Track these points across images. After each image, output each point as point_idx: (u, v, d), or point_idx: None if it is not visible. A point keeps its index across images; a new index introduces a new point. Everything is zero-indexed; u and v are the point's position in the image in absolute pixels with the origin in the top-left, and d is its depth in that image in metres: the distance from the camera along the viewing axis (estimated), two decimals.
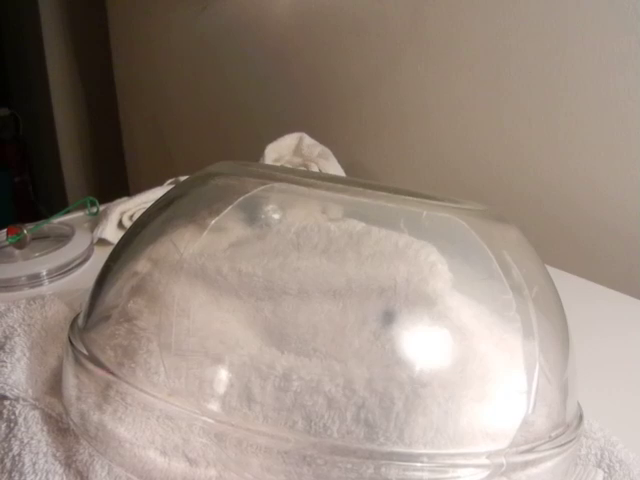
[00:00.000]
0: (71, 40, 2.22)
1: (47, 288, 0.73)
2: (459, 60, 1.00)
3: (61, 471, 0.35)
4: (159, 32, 1.82)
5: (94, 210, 0.97)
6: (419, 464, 0.32)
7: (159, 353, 0.36)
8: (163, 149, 2.01)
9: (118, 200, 0.94)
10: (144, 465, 0.34)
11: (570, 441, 0.38)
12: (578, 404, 0.42)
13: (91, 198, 0.98)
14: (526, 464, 0.36)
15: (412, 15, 1.05)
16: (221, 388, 0.35)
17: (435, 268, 0.36)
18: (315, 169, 0.83)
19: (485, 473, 0.33)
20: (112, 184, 2.35)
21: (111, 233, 0.86)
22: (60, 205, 0.95)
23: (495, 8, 0.92)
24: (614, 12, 0.77)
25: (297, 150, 1.03)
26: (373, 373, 0.34)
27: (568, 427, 0.40)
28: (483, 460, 0.33)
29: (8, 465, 0.36)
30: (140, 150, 2.20)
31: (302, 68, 1.32)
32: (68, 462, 0.35)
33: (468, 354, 0.37)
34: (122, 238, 0.46)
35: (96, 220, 0.91)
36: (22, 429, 0.37)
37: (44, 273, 0.74)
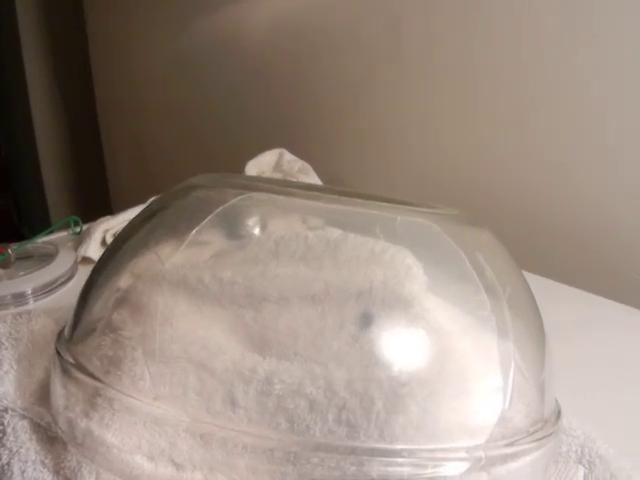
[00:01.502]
0: (51, 60, 2.23)
1: (32, 306, 0.72)
2: (434, 73, 1.02)
3: (50, 478, 0.36)
4: (139, 51, 1.83)
5: (77, 229, 0.97)
6: (400, 459, 0.33)
7: (144, 360, 0.37)
8: (145, 167, 2.02)
9: (101, 219, 0.94)
10: (132, 470, 0.35)
11: (548, 435, 0.39)
12: (556, 401, 0.43)
13: (74, 217, 0.98)
14: (505, 458, 0.37)
15: (387, 32, 1.08)
16: (205, 393, 0.36)
17: (411, 271, 0.38)
18: None
19: (464, 467, 0.34)
20: (95, 203, 2.36)
21: (94, 251, 0.87)
22: (43, 227, 0.95)
23: (468, 23, 0.95)
24: (584, 20, 0.80)
25: (277, 166, 1.04)
26: (353, 374, 0.35)
27: (546, 422, 0.41)
28: (462, 454, 0.34)
29: None
30: (122, 169, 2.21)
31: (281, 85, 1.34)
32: (56, 469, 0.36)
33: (445, 354, 0.38)
34: (106, 251, 0.47)
35: (79, 239, 0.92)
36: (11, 438, 0.38)
37: (29, 292, 0.74)
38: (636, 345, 0.65)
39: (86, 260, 0.86)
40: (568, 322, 0.63)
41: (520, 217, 0.89)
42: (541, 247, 0.87)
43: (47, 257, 0.83)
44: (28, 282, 0.75)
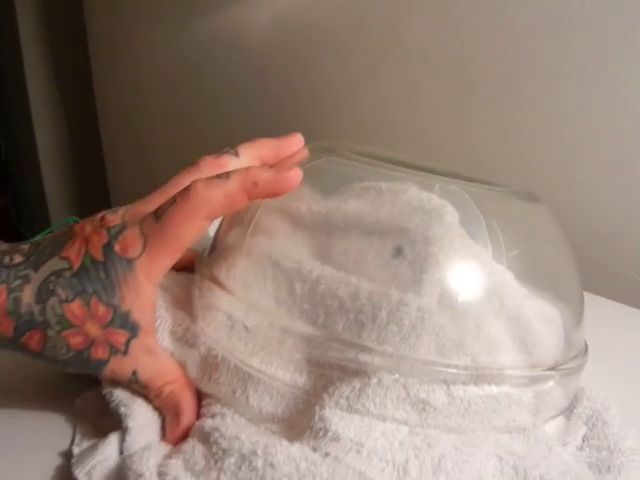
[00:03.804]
0: (52, 63, 2.23)
1: None
2: (435, 72, 1.05)
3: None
4: (140, 52, 1.84)
5: None
6: (385, 358, 0.44)
7: (236, 258, 0.51)
8: (146, 169, 2.03)
9: None
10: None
11: (581, 365, 0.51)
12: (585, 342, 0.53)
13: (74, 218, 1.00)
14: (537, 380, 0.47)
15: (388, 29, 1.10)
16: (276, 283, 0.48)
17: (446, 218, 0.48)
18: None
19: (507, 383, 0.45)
20: (95, 204, 2.20)
21: None
22: (43, 227, 0.98)
23: (468, 21, 0.98)
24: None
25: None
26: (375, 288, 0.45)
27: (577, 355, 0.51)
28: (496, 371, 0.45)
29: None
30: (123, 170, 2.21)
31: (284, 85, 1.38)
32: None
33: (477, 280, 0.48)
34: None
35: None
36: None
37: None
38: (636, 345, 0.67)
39: None
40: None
41: None
42: None
43: None
44: None
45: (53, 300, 0.44)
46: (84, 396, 0.55)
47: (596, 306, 0.71)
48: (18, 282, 0.44)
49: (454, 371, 0.44)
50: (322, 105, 1.33)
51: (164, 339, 0.50)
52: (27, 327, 0.44)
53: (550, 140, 0.92)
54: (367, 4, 1.15)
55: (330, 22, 1.24)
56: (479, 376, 0.44)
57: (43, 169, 2.35)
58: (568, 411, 0.51)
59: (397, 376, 0.43)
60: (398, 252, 0.47)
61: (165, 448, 0.47)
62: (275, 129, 1.40)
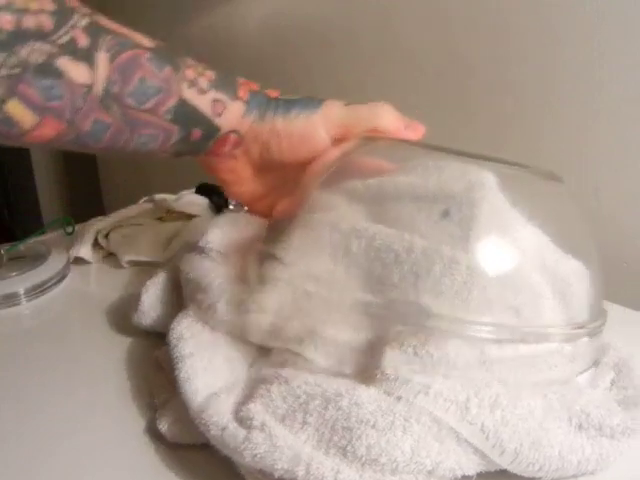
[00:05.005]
0: None
1: (24, 307, 0.76)
2: (426, 75, 1.06)
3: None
4: None
5: (70, 230, 1.00)
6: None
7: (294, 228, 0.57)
8: (138, 168, 2.01)
9: (93, 219, 0.98)
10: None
11: (603, 324, 0.56)
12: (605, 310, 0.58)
13: (67, 218, 1.00)
14: (574, 337, 0.52)
15: (381, 30, 1.11)
16: (333, 243, 0.53)
17: (486, 184, 0.53)
18: None
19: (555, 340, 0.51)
20: (87, 204, 2.35)
21: (87, 251, 0.89)
22: (35, 227, 0.91)
23: (461, 24, 0.99)
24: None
25: None
26: (427, 244, 0.50)
27: (598, 320, 0.56)
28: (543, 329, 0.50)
29: None
30: (115, 169, 2.19)
31: (273, 85, 1.31)
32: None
33: (519, 237, 0.54)
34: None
35: (72, 239, 0.94)
36: None
37: (21, 292, 0.77)
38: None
39: (78, 260, 0.88)
40: None
41: None
42: None
43: (39, 257, 0.85)
44: (20, 283, 0.78)
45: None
46: (163, 349, 0.61)
47: None
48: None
49: (503, 330, 0.49)
50: None
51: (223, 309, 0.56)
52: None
53: (553, 137, 0.93)
54: (360, 3, 1.15)
55: (323, 23, 1.23)
56: (525, 335, 0.50)
57: (35, 170, 2.36)
58: (596, 362, 0.56)
59: (455, 328, 0.48)
60: (445, 214, 0.52)
61: (232, 397, 0.51)
62: None
